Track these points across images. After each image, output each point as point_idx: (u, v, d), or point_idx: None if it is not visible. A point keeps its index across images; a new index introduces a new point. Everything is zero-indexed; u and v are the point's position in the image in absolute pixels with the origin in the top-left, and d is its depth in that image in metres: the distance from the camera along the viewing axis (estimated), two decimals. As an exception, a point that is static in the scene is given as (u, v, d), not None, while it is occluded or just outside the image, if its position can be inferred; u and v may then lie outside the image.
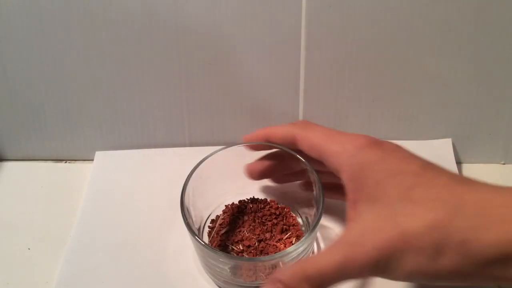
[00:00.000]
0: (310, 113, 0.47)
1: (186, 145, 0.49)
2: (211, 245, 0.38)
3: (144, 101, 0.47)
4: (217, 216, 0.41)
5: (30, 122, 0.48)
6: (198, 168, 0.38)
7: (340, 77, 0.45)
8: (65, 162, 0.49)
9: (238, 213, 0.41)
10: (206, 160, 0.38)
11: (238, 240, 0.38)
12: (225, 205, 0.42)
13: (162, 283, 0.37)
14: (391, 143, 0.32)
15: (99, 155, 0.48)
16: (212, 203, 0.42)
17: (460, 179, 0.29)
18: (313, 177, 0.36)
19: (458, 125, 0.47)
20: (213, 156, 0.38)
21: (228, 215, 0.41)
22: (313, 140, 0.34)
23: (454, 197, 0.27)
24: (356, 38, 0.44)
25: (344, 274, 0.28)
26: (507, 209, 0.26)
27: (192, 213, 0.37)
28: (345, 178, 0.31)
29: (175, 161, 0.47)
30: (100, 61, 0.45)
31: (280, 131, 0.37)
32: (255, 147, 0.39)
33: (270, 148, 0.39)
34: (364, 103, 0.47)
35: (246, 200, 0.42)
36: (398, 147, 0.32)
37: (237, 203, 0.42)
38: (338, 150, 0.32)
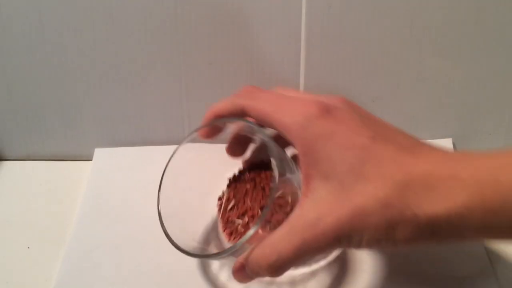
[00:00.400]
0: (310, 113, 0.47)
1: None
2: (222, 221, 0.37)
3: (143, 99, 0.47)
4: (223, 192, 0.40)
5: (30, 122, 0.48)
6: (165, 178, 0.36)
7: (340, 77, 0.45)
8: (65, 161, 0.49)
9: (241, 183, 0.39)
10: (170, 164, 0.37)
11: (243, 213, 0.37)
12: (228, 179, 0.40)
13: (162, 281, 0.37)
14: (343, 106, 0.31)
15: (98, 152, 0.48)
16: (205, 195, 0.40)
17: (408, 149, 0.29)
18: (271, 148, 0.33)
19: (458, 125, 0.47)
20: (174, 158, 0.37)
21: (232, 188, 0.39)
22: (262, 110, 0.32)
23: (402, 172, 0.27)
24: (356, 38, 0.44)
25: (304, 255, 0.29)
26: (453, 181, 0.26)
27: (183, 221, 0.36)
28: (299, 151, 0.30)
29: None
30: (99, 59, 0.45)
31: (226, 105, 0.34)
32: (207, 133, 0.36)
33: (224, 125, 0.36)
34: (364, 103, 0.46)
35: (244, 168, 0.40)
36: (350, 113, 0.31)
37: (237, 173, 0.40)
38: (288, 122, 0.30)
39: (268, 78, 0.46)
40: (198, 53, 0.45)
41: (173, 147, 0.48)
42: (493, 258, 0.38)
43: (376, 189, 0.27)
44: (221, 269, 0.38)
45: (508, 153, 0.27)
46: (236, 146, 0.38)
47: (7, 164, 0.49)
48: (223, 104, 0.35)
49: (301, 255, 0.29)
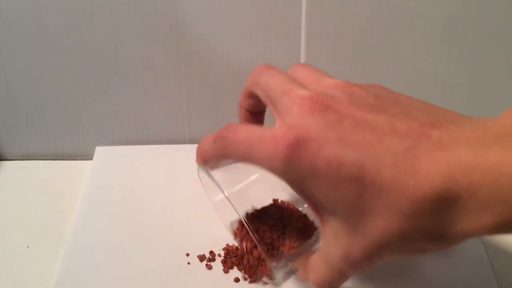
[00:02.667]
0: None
1: (185, 142, 0.49)
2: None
3: (143, 99, 0.47)
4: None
5: (30, 122, 0.48)
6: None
7: (340, 77, 0.45)
8: (65, 161, 0.49)
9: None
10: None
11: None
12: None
13: (162, 279, 0.37)
14: (316, 125, 0.27)
15: (99, 150, 0.48)
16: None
17: (412, 161, 0.25)
18: None
19: (458, 125, 0.47)
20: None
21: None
22: (237, 153, 0.30)
23: (408, 199, 0.24)
24: (356, 38, 0.44)
25: (347, 278, 0.30)
26: (474, 200, 0.23)
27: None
28: (293, 189, 0.29)
29: (175, 158, 0.48)
30: (99, 59, 0.45)
31: (209, 151, 0.33)
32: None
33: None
34: (364, 103, 0.47)
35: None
36: (331, 126, 0.27)
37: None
38: (267, 167, 0.28)
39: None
40: (198, 53, 0.45)
41: (174, 146, 0.49)
42: (493, 259, 0.38)
43: (387, 223, 0.25)
44: (221, 269, 0.38)
45: None
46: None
47: (7, 164, 0.49)
48: (206, 147, 0.33)
49: (344, 279, 0.30)
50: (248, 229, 0.34)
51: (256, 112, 0.36)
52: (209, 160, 0.34)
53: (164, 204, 0.43)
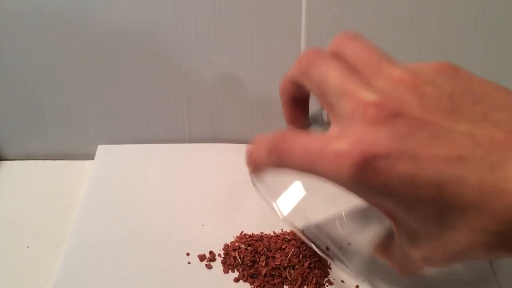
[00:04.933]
0: (310, 113, 0.47)
1: (185, 141, 0.49)
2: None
3: (144, 97, 0.47)
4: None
5: (30, 122, 0.48)
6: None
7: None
8: (65, 161, 0.49)
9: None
10: None
11: None
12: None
13: (162, 279, 0.37)
14: (387, 147, 0.23)
15: (101, 148, 0.48)
16: None
17: (488, 194, 0.23)
18: None
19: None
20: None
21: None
22: (300, 166, 0.27)
23: (496, 221, 0.23)
24: (356, 38, 0.44)
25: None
26: None
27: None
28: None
29: (175, 157, 0.48)
30: (99, 59, 0.45)
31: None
32: None
33: None
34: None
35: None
36: (404, 137, 0.23)
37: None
38: (334, 181, 0.25)
39: (268, 76, 0.46)
40: (198, 53, 0.45)
41: (174, 145, 0.49)
42: (493, 260, 0.38)
43: (471, 241, 0.24)
44: (221, 269, 0.38)
45: None
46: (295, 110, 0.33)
47: (7, 164, 0.49)
48: (259, 157, 0.29)
49: (426, 269, 0.29)
50: (303, 236, 0.34)
51: (300, 99, 0.32)
52: (263, 170, 0.30)
53: (165, 204, 0.43)
